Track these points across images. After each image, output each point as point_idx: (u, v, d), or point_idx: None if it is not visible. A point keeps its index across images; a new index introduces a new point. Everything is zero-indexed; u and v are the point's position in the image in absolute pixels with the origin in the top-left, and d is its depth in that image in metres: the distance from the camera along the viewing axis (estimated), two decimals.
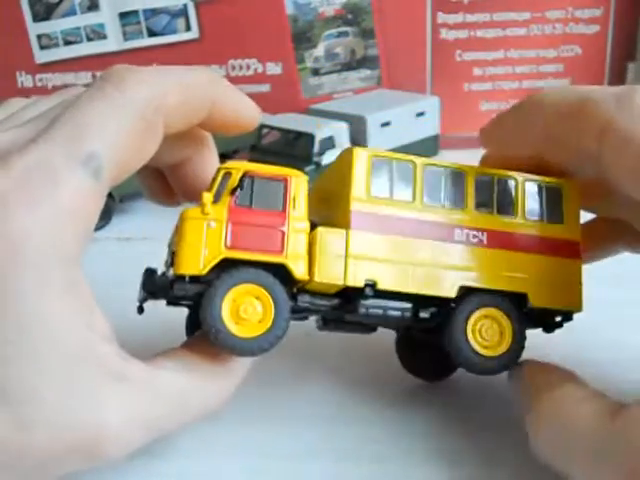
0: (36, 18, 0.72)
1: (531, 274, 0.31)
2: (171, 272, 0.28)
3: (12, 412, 0.23)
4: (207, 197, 0.28)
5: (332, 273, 0.28)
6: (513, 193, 0.31)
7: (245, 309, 0.27)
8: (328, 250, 0.28)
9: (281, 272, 0.28)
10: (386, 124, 0.65)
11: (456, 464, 0.30)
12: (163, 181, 0.34)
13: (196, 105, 0.29)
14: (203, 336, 0.28)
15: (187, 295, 0.28)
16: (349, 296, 0.29)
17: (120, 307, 0.30)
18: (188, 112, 0.29)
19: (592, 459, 0.25)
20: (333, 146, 0.60)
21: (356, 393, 0.35)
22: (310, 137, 0.59)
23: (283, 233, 0.28)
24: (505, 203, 0.31)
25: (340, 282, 0.28)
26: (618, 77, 0.74)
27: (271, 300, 0.28)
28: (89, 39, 0.72)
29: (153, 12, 0.71)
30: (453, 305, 0.30)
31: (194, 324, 0.30)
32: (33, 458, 0.23)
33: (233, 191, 0.28)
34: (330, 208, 0.31)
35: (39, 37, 0.72)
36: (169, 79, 0.28)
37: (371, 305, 0.29)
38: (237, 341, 0.27)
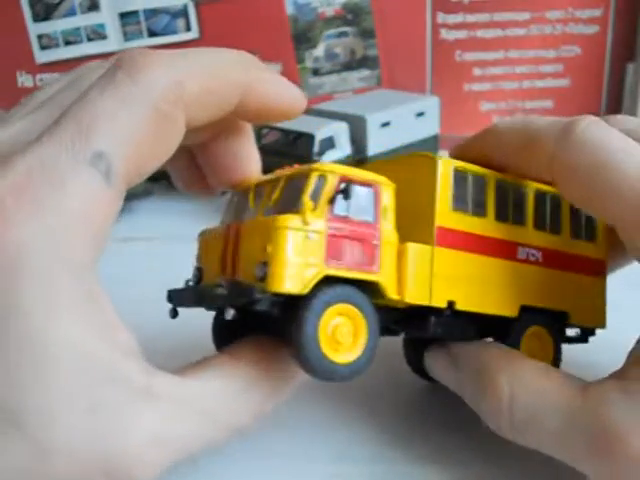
0: (36, 18, 0.72)
1: (572, 292, 0.32)
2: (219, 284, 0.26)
3: (29, 441, 0.21)
4: (309, 204, 0.25)
5: (420, 292, 0.27)
6: (561, 211, 0.32)
7: (341, 331, 0.25)
8: (418, 268, 0.27)
9: (368, 289, 0.26)
10: (386, 124, 0.65)
11: (456, 464, 0.30)
12: (193, 164, 0.31)
13: (224, 93, 0.25)
14: (246, 344, 0.26)
15: (270, 314, 0.25)
16: (416, 311, 0.28)
17: (125, 307, 0.30)
18: (214, 101, 0.25)
19: (563, 434, 0.25)
20: (333, 146, 0.60)
21: (356, 393, 0.35)
22: (310, 137, 0.59)
23: (376, 247, 0.26)
24: (555, 221, 0.32)
25: (426, 302, 0.27)
26: (618, 77, 0.74)
27: (364, 321, 0.25)
28: (89, 39, 0.72)
29: (153, 12, 0.71)
30: (511, 322, 0.30)
31: (225, 333, 0.29)
32: None
33: (332, 199, 0.25)
34: (398, 218, 0.28)
35: (39, 37, 0.72)
36: (190, 63, 0.25)
37: (442, 323, 0.28)
38: (334, 367, 0.25)
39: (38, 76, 0.73)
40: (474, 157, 0.30)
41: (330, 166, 0.26)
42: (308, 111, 0.70)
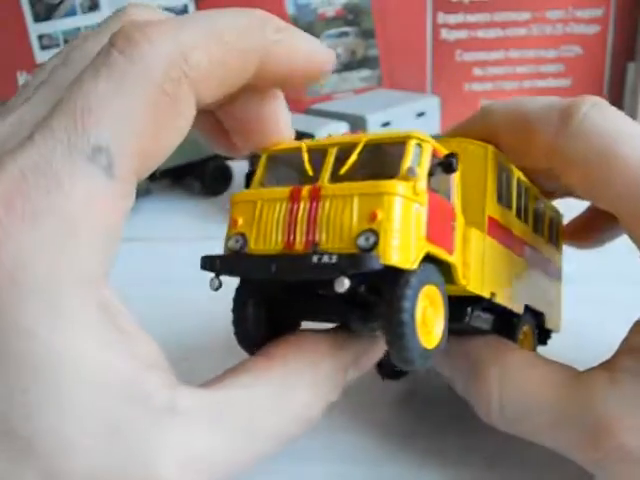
0: (37, 18, 0.72)
1: (548, 296, 0.33)
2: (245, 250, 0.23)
3: (43, 470, 0.19)
4: (421, 172, 0.22)
5: (477, 281, 0.26)
6: (545, 216, 0.32)
7: (429, 315, 0.23)
8: (476, 255, 0.26)
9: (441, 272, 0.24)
10: (386, 124, 0.65)
11: (456, 464, 0.30)
12: (217, 125, 0.27)
13: (237, 62, 0.22)
14: (281, 342, 0.24)
15: (357, 293, 0.23)
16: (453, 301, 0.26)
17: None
18: (227, 74, 0.22)
19: (553, 426, 0.25)
20: None
21: (356, 393, 0.35)
22: (310, 137, 0.59)
23: (453, 229, 0.24)
24: (541, 225, 0.32)
25: (479, 291, 0.26)
26: (619, 77, 0.74)
27: (442, 304, 0.24)
28: None
29: None
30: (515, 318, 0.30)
31: (254, 327, 0.25)
32: None
33: (432, 170, 0.23)
34: None
35: (40, 37, 0.72)
36: (194, 32, 0.21)
37: (476, 315, 0.27)
38: (427, 355, 0.23)
39: None
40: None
41: (421, 134, 0.23)
42: (308, 111, 0.70)
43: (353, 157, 0.23)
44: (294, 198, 0.23)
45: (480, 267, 0.26)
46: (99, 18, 0.71)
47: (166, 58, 0.21)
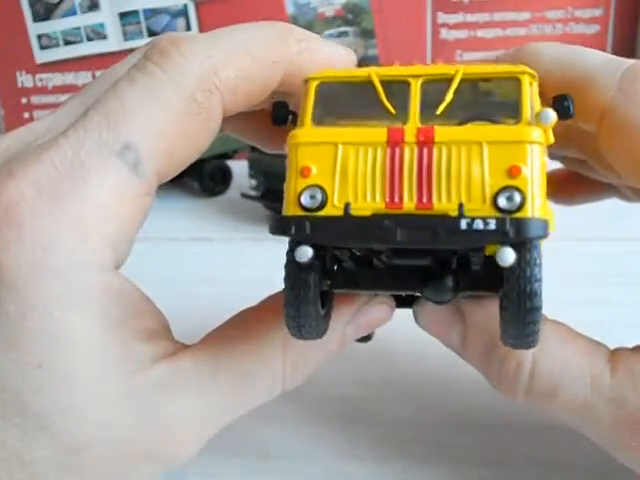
0: (36, 18, 0.72)
1: None
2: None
3: (59, 442, 0.20)
4: (554, 118, 0.19)
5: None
6: None
7: None
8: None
9: None
10: None
11: (456, 464, 0.30)
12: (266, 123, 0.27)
13: (263, 75, 0.23)
14: (276, 297, 0.24)
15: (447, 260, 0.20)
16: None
17: None
18: (253, 86, 0.23)
19: (588, 405, 0.24)
20: None
21: (356, 393, 0.35)
22: None
23: None
24: None
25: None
26: None
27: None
28: (89, 39, 0.72)
29: (153, 12, 0.71)
30: None
31: (319, 312, 0.21)
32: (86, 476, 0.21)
33: (542, 114, 0.20)
34: None
35: (39, 37, 0.72)
36: (224, 48, 0.23)
37: None
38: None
39: (38, 76, 0.73)
40: None
41: (529, 69, 0.20)
42: None
43: (450, 93, 0.20)
44: (394, 142, 0.19)
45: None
46: (99, 18, 0.71)
47: (198, 71, 0.22)
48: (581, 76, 0.25)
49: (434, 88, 0.20)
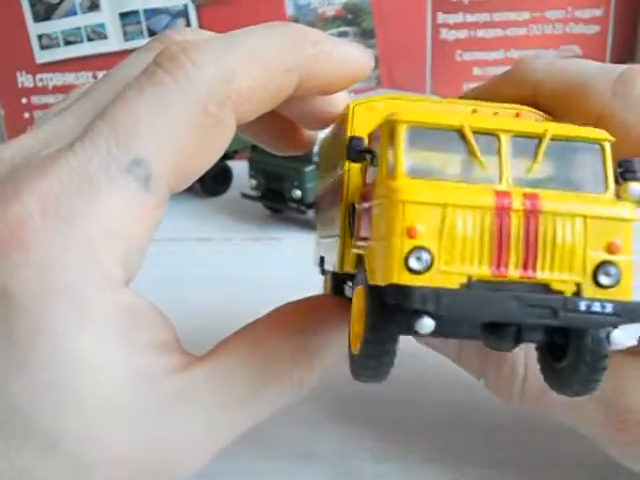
0: (37, 18, 0.72)
1: None
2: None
3: (68, 460, 0.20)
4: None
5: None
6: None
7: None
8: None
9: None
10: None
11: (456, 464, 0.30)
12: (276, 125, 0.27)
13: (277, 83, 0.23)
14: (284, 309, 0.24)
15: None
16: None
17: None
18: (267, 94, 0.23)
19: (579, 405, 0.25)
20: None
21: (356, 393, 0.35)
22: None
23: None
24: None
25: None
26: None
27: None
28: (89, 39, 0.72)
29: (154, 12, 0.71)
30: None
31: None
32: None
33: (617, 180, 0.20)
34: None
35: (39, 37, 0.72)
36: (237, 55, 0.22)
37: None
38: None
39: (38, 76, 0.73)
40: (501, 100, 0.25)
41: (606, 133, 0.20)
42: None
43: (540, 154, 0.20)
44: (503, 208, 0.19)
45: None
46: (99, 18, 0.71)
47: (210, 81, 0.21)
48: (576, 82, 0.25)
49: (521, 144, 0.20)
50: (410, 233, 0.19)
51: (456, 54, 0.75)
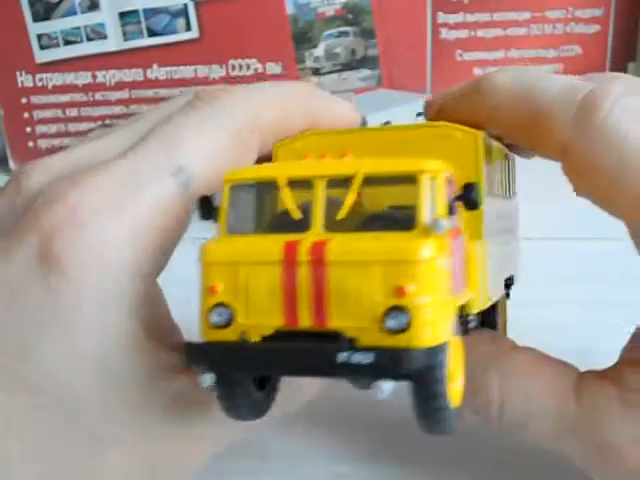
0: (36, 18, 0.71)
1: (513, 254, 0.31)
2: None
3: (84, 433, 0.22)
4: (443, 216, 0.19)
5: (481, 295, 0.24)
6: (507, 172, 0.31)
7: (453, 368, 0.21)
8: (482, 269, 0.23)
9: None
10: (386, 124, 0.65)
11: (456, 464, 0.30)
12: None
13: (293, 121, 0.28)
14: None
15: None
16: None
17: None
18: (284, 130, 0.28)
19: (556, 437, 0.25)
20: None
21: (355, 393, 0.35)
22: None
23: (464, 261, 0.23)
24: (505, 184, 0.30)
25: (484, 306, 0.25)
26: None
27: (462, 352, 0.23)
28: (89, 39, 0.72)
29: (153, 12, 0.71)
30: None
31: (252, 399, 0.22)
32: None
33: (451, 208, 0.20)
34: None
35: (39, 37, 0.72)
36: (264, 97, 0.28)
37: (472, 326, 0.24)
38: (456, 414, 0.21)
39: (38, 76, 0.73)
40: (458, 119, 0.25)
41: (433, 163, 0.19)
42: None
43: (351, 196, 0.19)
44: (289, 262, 0.19)
45: (484, 279, 0.23)
46: (99, 17, 0.71)
47: (244, 113, 0.26)
48: (537, 111, 0.24)
49: (340, 188, 0.20)
50: (210, 291, 0.20)
51: (456, 54, 0.75)
